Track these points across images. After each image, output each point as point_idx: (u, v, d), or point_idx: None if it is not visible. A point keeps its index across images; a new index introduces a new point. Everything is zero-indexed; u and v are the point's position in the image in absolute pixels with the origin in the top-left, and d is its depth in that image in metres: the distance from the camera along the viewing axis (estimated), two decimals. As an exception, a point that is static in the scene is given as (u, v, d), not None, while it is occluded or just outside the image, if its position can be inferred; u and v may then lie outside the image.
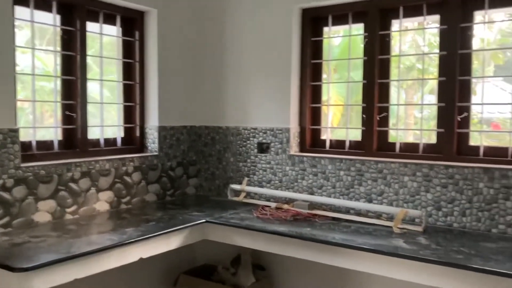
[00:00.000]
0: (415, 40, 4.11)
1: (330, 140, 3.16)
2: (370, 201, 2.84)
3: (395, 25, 2.91)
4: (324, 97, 3.23)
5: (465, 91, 2.67)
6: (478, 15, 2.66)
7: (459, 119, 2.67)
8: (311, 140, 3.23)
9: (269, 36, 3.22)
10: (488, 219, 2.49)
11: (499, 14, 2.82)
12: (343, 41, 3.84)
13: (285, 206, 2.95)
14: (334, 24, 3.12)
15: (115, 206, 2.99)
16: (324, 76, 3.23)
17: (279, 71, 3.18)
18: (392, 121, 2.95)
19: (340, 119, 4.46)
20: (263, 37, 3.24)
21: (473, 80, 2.68)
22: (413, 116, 4.17)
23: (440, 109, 2.74)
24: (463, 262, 2.01)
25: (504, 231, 2.44)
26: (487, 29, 3.72)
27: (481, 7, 2.61)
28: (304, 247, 2.42)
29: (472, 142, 2.68)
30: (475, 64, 3.91)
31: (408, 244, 2.28)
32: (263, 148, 3.27)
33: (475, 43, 2.67)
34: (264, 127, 3.26)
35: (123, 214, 2.91)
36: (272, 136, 3.23)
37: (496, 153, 2.57)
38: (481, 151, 2.61)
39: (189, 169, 3.51)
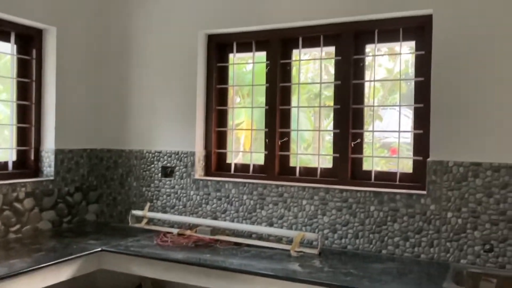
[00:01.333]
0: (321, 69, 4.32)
1: (235, 164, 3.18)
2: (271, 224, 2.88)
3: (298, 54, 3.04)
4: (236, 121, 3.27)
5: (358, 119, 2.82)
6: (369, 48, 2.85)
7: (352, 145, 2.81)
8: (217, 164, 3.23)
9: (175, 58, 3.21)
10: (378, 241, 2.62)
11: (397, 47, 3.03)
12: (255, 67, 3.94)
13: (188, 232, 2.91)
14: (239, 51, 3.18)
15: (2, 236, 2.77)
16: (238, 100, 3.27)
17: (185, 94, 3.17)
18: (302, 145, 3.04)
19: (252, 143, 4.55)
20: (169, 60, 3.22)
21: (380, 108, 2.84)
22: (321, 141, 4.36)
23: (335, 135, 2.88)
24: (352, 284, 2.09)
25: (393, 251, 2.58)
26: (391, 60, 4.01)
27: (371, 41, 2.79)
28: (202, 274, 2.39)
29: (366, 167, 2.83)
30: (381, 92, 4.15)
31: (303, 268, 2.34)
32: (167, 172, 3.22)
33: (381, 73, 2.84)
34: (169, 151, 3.22)
35: (11, 244, 2.70)
36: (177, 159, 3.19)
37: (385, 178, 2.73)
38: (373, 175, 2.76)
39: (89, 194, 3.36)
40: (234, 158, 3.24)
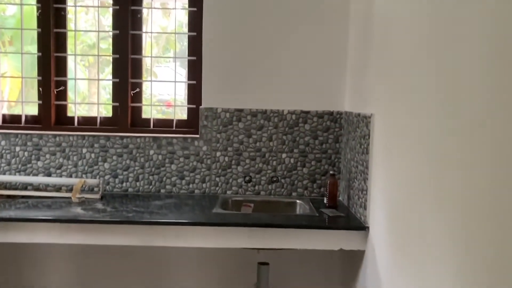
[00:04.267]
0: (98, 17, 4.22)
1: (4, 115, 2.94)
2: (49, 175, 2.81)
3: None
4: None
5: (137, 69, 2.94)
6: (145, 3, 2.97)
7: (132, 94, 2.93)
8: (-20, 115, 2.94)
9: None
10: (157, 181, 2.85)
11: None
12: (19, 11, 3.59)
13: None
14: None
15: None
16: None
17: None
18: (78, 97, 2.98)
19: (18, 94, 4.18)
20: None
21: (154, 64, 2.99)
22: (97, 94, 4.29)
23: (115, 85, 2.94)
24: (134, 219, 2.28)
25: (171, 190, 2.85)
26: (165, 18, 4.16)
27: (148, -6, 2.92)
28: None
29: (145, 116, 2.99)
30: (155, 48, 4.28)
31: (86, 211, 2.40)
32: None
33: (154, 28, 2.96)
34: None
35: None
36: None
37: (163, 125, 2.96)
38: (152, 123, 2.95)
39: None
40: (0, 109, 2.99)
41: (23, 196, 2.65)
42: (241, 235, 2.26)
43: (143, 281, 2.86)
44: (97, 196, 2.66)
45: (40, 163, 2.82)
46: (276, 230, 2.26)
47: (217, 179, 2.85)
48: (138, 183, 2.84)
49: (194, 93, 2.91)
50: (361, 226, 2.25)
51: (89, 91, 4.08)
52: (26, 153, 2.82)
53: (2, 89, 3.06)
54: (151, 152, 2.84)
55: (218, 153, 2.84)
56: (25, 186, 2.79)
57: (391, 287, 1.88)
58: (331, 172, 2.61)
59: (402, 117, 1.81)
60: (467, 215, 1.25)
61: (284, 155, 2.84)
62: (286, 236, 2.25)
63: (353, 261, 2.47)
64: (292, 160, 2.84)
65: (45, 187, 2.79)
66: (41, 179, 2.76)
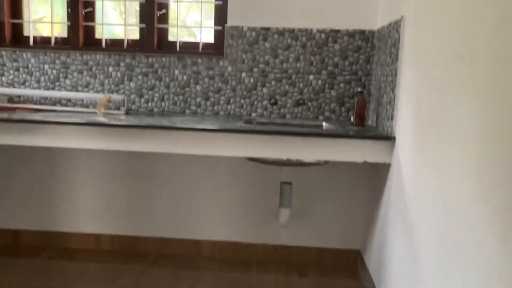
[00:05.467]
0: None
1: (34, 37, 2.98)
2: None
3: None
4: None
5: (163, -10, 2.90)
6: None
7: (158, 15, 2.89)
8: (12, 36, 2.98)
9: None
10: (182, 102, 2.83)
11: None
12: None
13: (-20, 101, 2.68)
14: None
15: None
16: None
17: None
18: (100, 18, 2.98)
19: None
20: None
21: None
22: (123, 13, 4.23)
23: (141, 6, 2.91)
24: (157, 124, 2.26)
25: (195, 111, 2.83)
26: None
27: None
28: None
29: (171, 38, 2.96)
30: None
31: (109, 120, 2.40)
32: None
33: None
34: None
35: None
36: (-38, 28, 2.84)
37: (189, 47, 2.92)
38: (178, 45, 2.91)
39: None
40: (33, 31, 3.02)
41: (51, 110, 2.69)
42: (265, 144, 2.19)
43: (165, 187, 2.88)
44: (122, 112, 2.67)
45: (68, 81, 2.85)
46: (300, 139, 2.18)
47: (242, 101, 2.80)
48: (163, 103, 2.83)
49: (220, 13, 2.85)
50: (387, 136, 2.15)
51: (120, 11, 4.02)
52: (54, 71, 2.85)
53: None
54: (176, 72, 2.81)
55: (243, 74, 2.78)
56: (53, 103, 2.83)
57: (415, 199, 1.79)
58: (359, 89, 2.50)
59: (432, 18, 1.69)
60: (495, 114, 1.14)
61: (311, 77, 2.75)
62: (310, 145, 2.18)
63: (377, 178, 2.38)
64: (319, 82, 2.75)
65: (73, 105, 2.83)
66: (67, 94, 2.78)
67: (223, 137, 2.20)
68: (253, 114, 2.80)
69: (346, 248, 2.82)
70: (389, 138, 2.13)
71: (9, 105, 2.68)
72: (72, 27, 2.91)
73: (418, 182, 1.76)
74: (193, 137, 2.21)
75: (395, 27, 2.16)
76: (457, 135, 1.37)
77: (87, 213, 2.91)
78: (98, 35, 2.98)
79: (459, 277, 1.30)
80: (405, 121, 1.98)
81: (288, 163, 2.46)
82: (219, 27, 2.85)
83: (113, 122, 2.26)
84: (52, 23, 2.98)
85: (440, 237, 1.46)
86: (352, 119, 2.51)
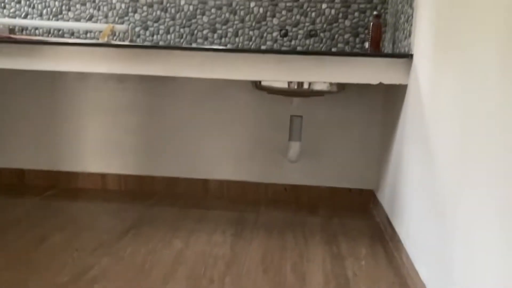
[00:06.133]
0: None
1: (36, -29, 2.88)
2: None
3: None
4: None
5: None
6: None
7: None
8: (13, -30, 2.88)
9: None
10: (189, 34, 2.72)
11: None
12: None
13: (-20, 31, 2.60)
14: None
15: None
16: None
17: None
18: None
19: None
20: None
21: None
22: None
23: None
24: (161, 44, 2.16)
25: (202, 44, 2.72)
26: None
27: None
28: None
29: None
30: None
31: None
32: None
33: None
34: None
35: None
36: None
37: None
38: (184, -23, 2.79)
39: None
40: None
41: (51, 43, 2.59)
42: (275, 66, 2.08)
43: (171, 125, 2.79)
44: (126, 42, 2.57)
45: (70, 14, 2.75)
46: (312, 59, 2.05)
47: (251, 32, 2.67)
48: (169, 36, 2.72)
49: None
50: (404, 54, 2.02)
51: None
52: (57, 3, 2.75)
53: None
54: (182, 2, 2.69)
55: (252, 3, 2.65)
56: (56, 37, 2.74)
57: (433, 121, 1.66)
58: (375, 12, 2.36)
59: None
60: None
61: (324, 6, 2.61)
62: (322, 66, 2.06)
63: (392, 110, 2.25)
64: (333, 11, 2.61)
65: (77, 38, 2.73)
66: (70, 24, 2.68)
67: (231, 57, 2.09)
68: (263, 47, 2.67)
69: (359, 187, 2.72)
70: (406, 56, 2.00)
71: (12, 35, 2.59)
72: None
73: (437, 102, 1.63)
74: (200, 57, 2.10)
75: None
76: (478, 49, 1.23)
77: (93, 152, 2.84)
78: (101, -32, 2.87)
79: (475, 198, 1.18)
80: (424, 37, 1.84)
81: (298, 92, 2.34)
82: (227, -43, 2.71)
83: (116, 43, 2.17)
84: (54, -45, 2.87)
85: (459, 159, 1.34)
86: (366, 45, 2.37)
